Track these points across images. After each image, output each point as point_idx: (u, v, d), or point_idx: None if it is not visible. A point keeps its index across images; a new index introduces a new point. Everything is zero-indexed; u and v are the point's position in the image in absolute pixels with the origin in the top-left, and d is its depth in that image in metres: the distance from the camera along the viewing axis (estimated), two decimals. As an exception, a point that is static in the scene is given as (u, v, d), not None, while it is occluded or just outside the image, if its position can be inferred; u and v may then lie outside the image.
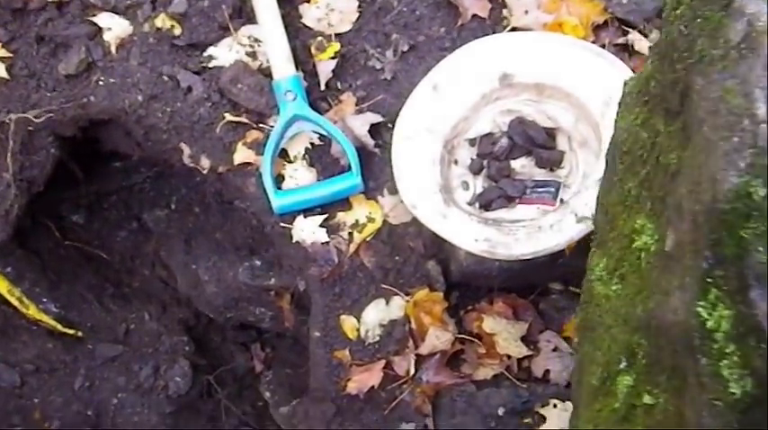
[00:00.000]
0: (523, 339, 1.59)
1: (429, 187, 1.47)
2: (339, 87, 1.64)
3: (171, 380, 1.97)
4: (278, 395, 1.91)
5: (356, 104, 1.62)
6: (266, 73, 1.62)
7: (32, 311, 1.84)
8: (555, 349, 1.59)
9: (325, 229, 1.58)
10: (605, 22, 1.64)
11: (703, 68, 0.84)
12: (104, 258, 2.12)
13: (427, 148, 1.49)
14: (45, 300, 1.91)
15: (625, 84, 1.10)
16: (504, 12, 1.62)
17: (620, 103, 1.09)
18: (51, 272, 2.00)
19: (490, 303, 1.62)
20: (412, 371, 1.56)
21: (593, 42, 1.62)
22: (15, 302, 1.83)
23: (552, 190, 1.52)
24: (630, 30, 1.64)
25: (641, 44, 1.63)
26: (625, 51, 1.65)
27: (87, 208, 2.12)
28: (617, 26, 1.65)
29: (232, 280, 1.79)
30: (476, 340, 1.59)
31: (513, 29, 1.61)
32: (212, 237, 1.93)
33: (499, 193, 1.52)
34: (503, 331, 1.58)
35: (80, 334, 1.94)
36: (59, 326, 1.87)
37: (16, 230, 1.75)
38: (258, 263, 1.76)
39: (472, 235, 1.42)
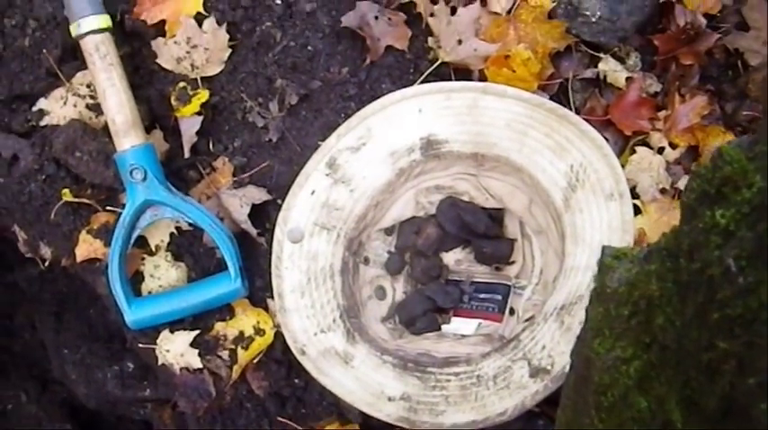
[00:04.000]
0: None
1: (325, 315, 0.99)
2: (211, 150, 1.14)
3: (53, 481, 1.51)
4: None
5: (233, 174, 1.13)
6: (115, 133, 1.11)
7: None
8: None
9: (197, 351, 1.10)
10: (568, 49, 1.13)
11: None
12: (-23, 319, 1.64)
13: (322, 255, 1.00)
14: None
15: (603, 251, 0.61)
16: (430, 41, 1.11)
17: (593, 298, 0.60)
18: None
19: (424, 425, 1.15)
20: None
21: (553, 78, 1.12)
22: None
23: (498, 297, 1.04)
24: (601, 55, 1.14)
25: (616, 75, 1.14)
26: (594, 87, 1.15)
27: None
28: (583, 52, 1.15)
29: (101, 383, 1.32)
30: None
31: (443, 65, 1.10)
32: (84, 315, 1.45)
33: (426, 306, 1.04)
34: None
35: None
36: None
37: None
38: (130, 367, 1.29)
39: (385, 390, 0.95)
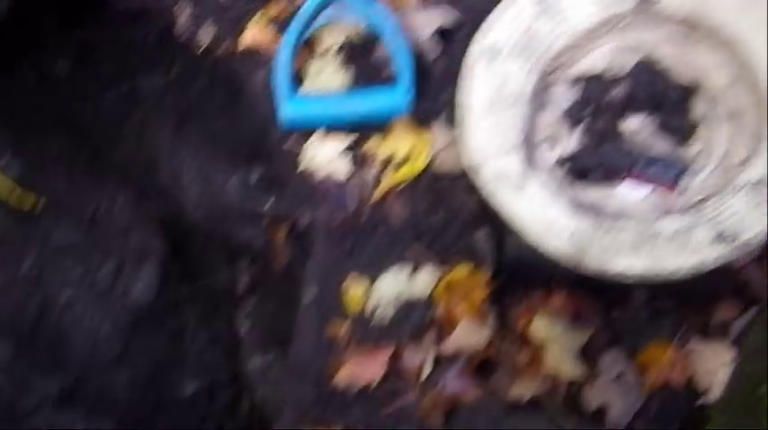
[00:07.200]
0: (581, 354, 1.08)
1: (506, 138, 0.94)
2: (405, -39, 1.08)
3: (133, 285, 1.48)
4: (255, 334, 1.44)
5: (424, -7, 1.07)
6: None
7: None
8: (619, 376, 1.09)
9: (348, 159, 1.05)
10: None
11: None
12: (84, 121, 1.60)
13: (516, 77, 0.95)
14: (7, 154, 1.45)
15: None
16: None
17: None
18: (19, 125, 1.50)
19: (547, 295, 1.10)
20: (426, 372, 1.06)
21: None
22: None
23: (673, 171, 0.98)
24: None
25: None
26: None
27: (73, 59, 1.57)
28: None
29: (219, 190, 1.28)
30: (518, 345, 1.09)
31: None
32: (209, 126, 1.41)
33: (599, 161, 0.99)
34: (557, 339, 1.07)
35: (39, 205, 1.46)
36: (16, 192, 1.39)
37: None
38: (255, 176, 1.25)
39: (556, 224, 0.89)
